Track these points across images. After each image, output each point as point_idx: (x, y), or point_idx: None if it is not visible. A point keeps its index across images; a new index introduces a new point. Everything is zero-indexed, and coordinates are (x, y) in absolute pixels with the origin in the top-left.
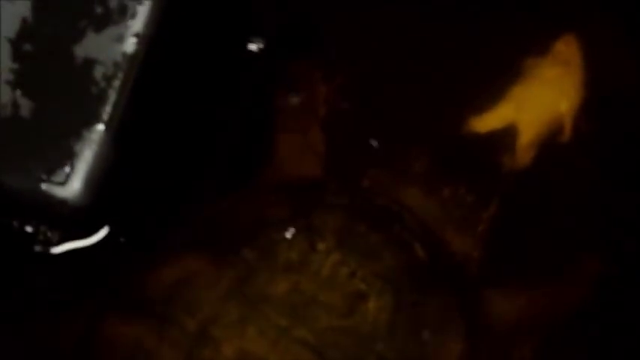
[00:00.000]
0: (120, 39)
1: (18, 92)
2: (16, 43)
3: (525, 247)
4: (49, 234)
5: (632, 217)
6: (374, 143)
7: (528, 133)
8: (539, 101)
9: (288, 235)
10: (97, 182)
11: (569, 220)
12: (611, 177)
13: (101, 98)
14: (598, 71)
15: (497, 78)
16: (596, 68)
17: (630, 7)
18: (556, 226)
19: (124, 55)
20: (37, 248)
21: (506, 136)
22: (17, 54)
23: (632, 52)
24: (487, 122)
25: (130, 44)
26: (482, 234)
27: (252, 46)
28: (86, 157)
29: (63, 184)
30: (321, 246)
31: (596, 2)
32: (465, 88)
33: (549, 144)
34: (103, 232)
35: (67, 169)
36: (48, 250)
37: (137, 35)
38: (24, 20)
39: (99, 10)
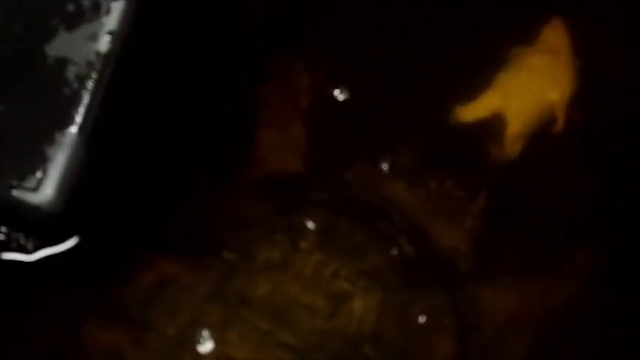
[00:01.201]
0: (93, 37)
1: None
2: None
3: (515, 241)
4: (22, 241)
5: (624, 210)
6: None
7: (516, 123)
8: (527, 89)
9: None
10: (70, 187)
11: (559, 213)
12: (603, 168)
13: (74, 100)
14: (587, 58)
15: (484, 67)
16: (586, 54)
17: None
18: (546, 219)
19: (98, 54)
20: (11, 256)
21: (494, 126)
22: None
23: (620, 36)
24: (474, 112)
25: (104, 42)
26: (470, 228)
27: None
28: (59, 161)
29: (35, 190)
30: (303, 245)
31: None
32: (451, 78)
33: (538, 134)
34: (77, 238)
35: (39, 174)
36: (22, 258)
37: (111, 33)
38: None
39: (71, 7)
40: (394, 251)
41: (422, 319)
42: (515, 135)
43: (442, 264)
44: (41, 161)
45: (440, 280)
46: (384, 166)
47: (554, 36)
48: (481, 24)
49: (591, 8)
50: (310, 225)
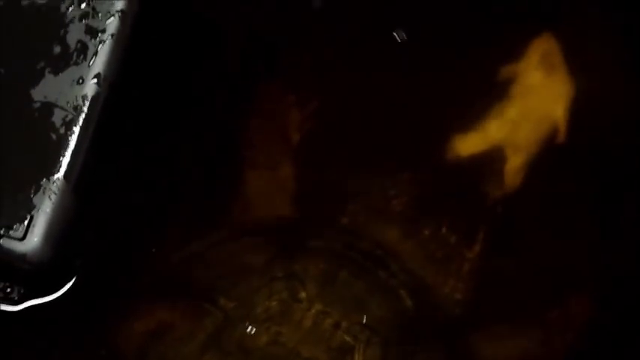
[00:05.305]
0: (80, 81)
1: None
2: None
3: (512, 288)
4: (9, 290)
5: (623, 257)
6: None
7: (518, 155)
8: (528, 112)
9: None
10: (57, 235)
11: (556, 259)
12: (603, 207)
13: (60, 145)
14: (581, 67)
15: (480, 92)
16: (578, 64)
17: None
18: (543, 265)
19: (85, 98)
20: None
21: (493, 159)
22: None
23: (609, 41)
24: (471, 145)
25: (91, 86)
26: (466, 275)
27: None
28: (45, 209)
29: (21, 239)
30: (302, 294)
31: None
32: (445, 109)
33: (538, 164)
34: (67, 286)
35: (25, 222)
36: (9, 308)
37: (98, 76)
38: None
39: (57, 49)
40: (394, 303)
41: None
42: (516, 168)
43: (441, 315)
44: (27, 209)
45: (439, 331)
46: (379, 210)
47: (546, 49)
48: (472, 47)
49: (577, 17)
50: (309, 274)
